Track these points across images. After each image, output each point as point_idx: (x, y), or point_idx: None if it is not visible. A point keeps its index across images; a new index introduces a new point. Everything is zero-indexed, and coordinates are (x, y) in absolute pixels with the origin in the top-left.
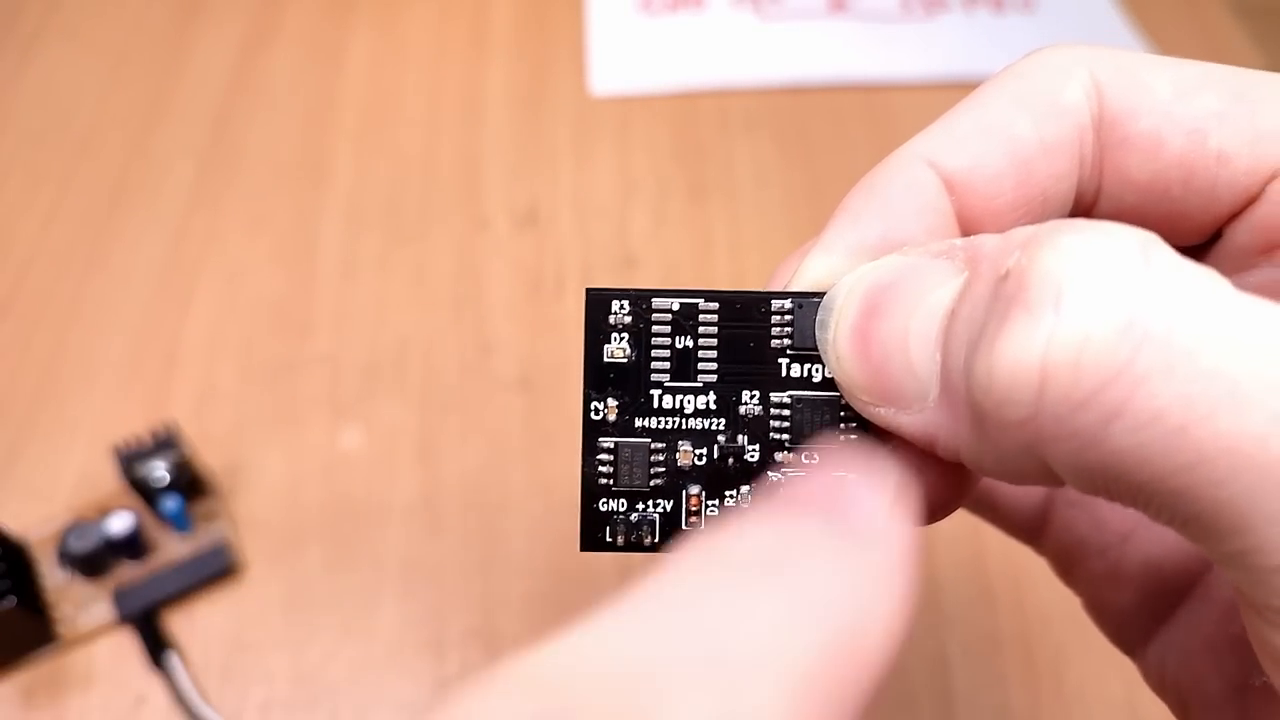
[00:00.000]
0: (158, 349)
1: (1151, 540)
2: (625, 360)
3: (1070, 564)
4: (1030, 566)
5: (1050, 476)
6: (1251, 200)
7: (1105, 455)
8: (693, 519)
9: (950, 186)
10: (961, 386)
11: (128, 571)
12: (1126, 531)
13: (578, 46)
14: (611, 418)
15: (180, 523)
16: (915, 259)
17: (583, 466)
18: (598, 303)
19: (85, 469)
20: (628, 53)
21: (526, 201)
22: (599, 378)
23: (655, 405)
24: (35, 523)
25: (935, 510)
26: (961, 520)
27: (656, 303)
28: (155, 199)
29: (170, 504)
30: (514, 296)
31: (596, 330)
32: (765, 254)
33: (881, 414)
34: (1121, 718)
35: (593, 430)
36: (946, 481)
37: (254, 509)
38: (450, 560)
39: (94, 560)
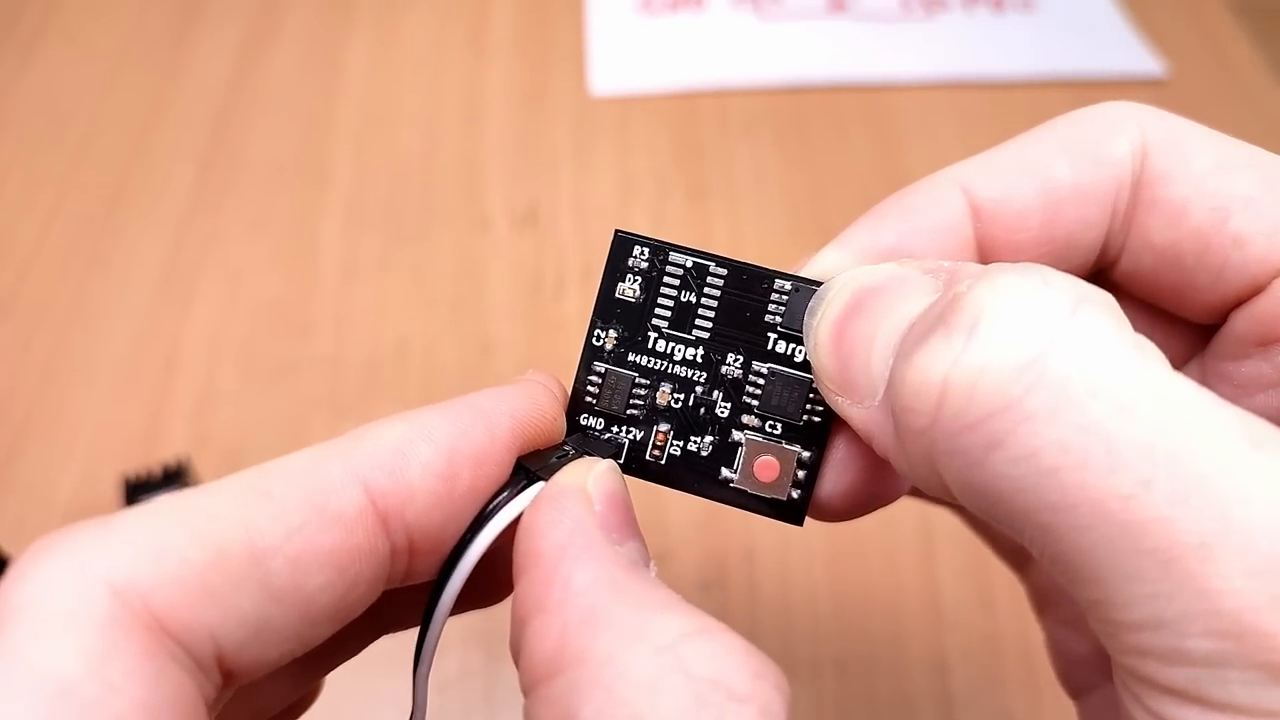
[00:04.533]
0: (158, 350)
1: None
2: (633, 300)
3: (1044, 601)
4: None
5: (947, 491)
6: (1258, 290)
7: (986, 479)
8: (655, 452)
9: (978, 214)
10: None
11: None
12: None
13: (577, 47)
14: (609, 347)
15: None
16: (907, 270)
17: (575, 382)
18: (622, 244)
19: (85, 473)
20: (627, 53)
21: (526, 202)
22: (607, 310)
23: (649, 345)
24: (34, 536)
25: (861, 504)
26: (961, 524)
27: (674, 256)
28: (155, 201)
29: None
30: (514, 297)
31: (615, 267)
32: (765, 253)
33: (839, 402)
34: None
35: (590, 354)
36: (875, 478)
37: None
38: None
39: None
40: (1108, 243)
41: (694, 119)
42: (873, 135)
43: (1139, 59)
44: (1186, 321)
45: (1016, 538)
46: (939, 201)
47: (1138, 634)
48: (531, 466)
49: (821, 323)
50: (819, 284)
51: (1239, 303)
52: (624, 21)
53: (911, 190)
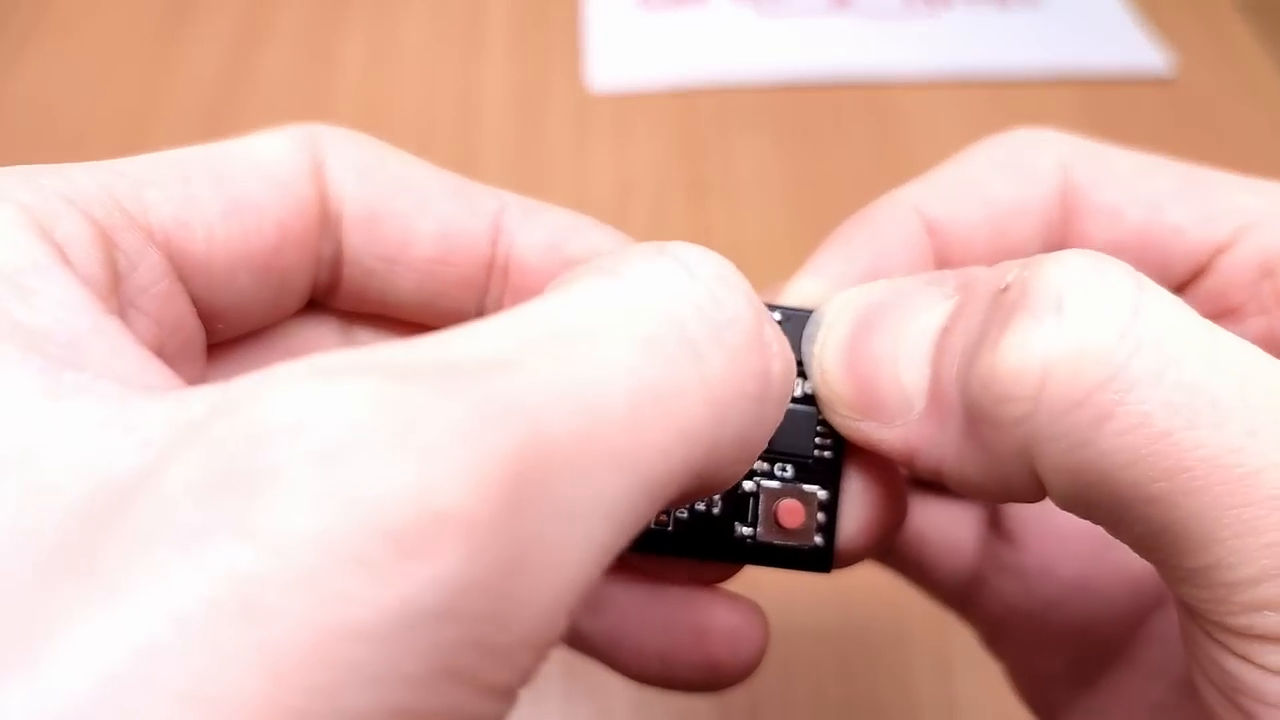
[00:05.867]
0: None
1: (1079, 609)
2: None
3: (998, 632)
4: None
5: (1032, 487)
6: (1201, 272)
7: (1094, 456)
8: (661, 519)
9: (932, 231)
10: (953, 395)
11: None
12: (1055, 599)
13: (576, 43)
14: None
15: None
16: (910, 283)
17: None
18: None
19: None
20: (627, 49)
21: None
22: None
23: None
24: None
25: (882, 541)
26: None
27: None
28: None
29: None
30: None
31: None
32: (765, 253)
33: (860, 428)
34: None
35: None
36: (892, 514)
37: None
38: None
39: None
40: (1046, 251)
41: (694, 116)
42: (875, 132)
43: (1145, 55)
44: None
45: (1112, 526)
46: (899, 221)
47: (1254, 589)
48: None
49: (827, 348)
50: (809, 310)
51: (1183, 287)
52: (623, 17)
53: (869, 214)
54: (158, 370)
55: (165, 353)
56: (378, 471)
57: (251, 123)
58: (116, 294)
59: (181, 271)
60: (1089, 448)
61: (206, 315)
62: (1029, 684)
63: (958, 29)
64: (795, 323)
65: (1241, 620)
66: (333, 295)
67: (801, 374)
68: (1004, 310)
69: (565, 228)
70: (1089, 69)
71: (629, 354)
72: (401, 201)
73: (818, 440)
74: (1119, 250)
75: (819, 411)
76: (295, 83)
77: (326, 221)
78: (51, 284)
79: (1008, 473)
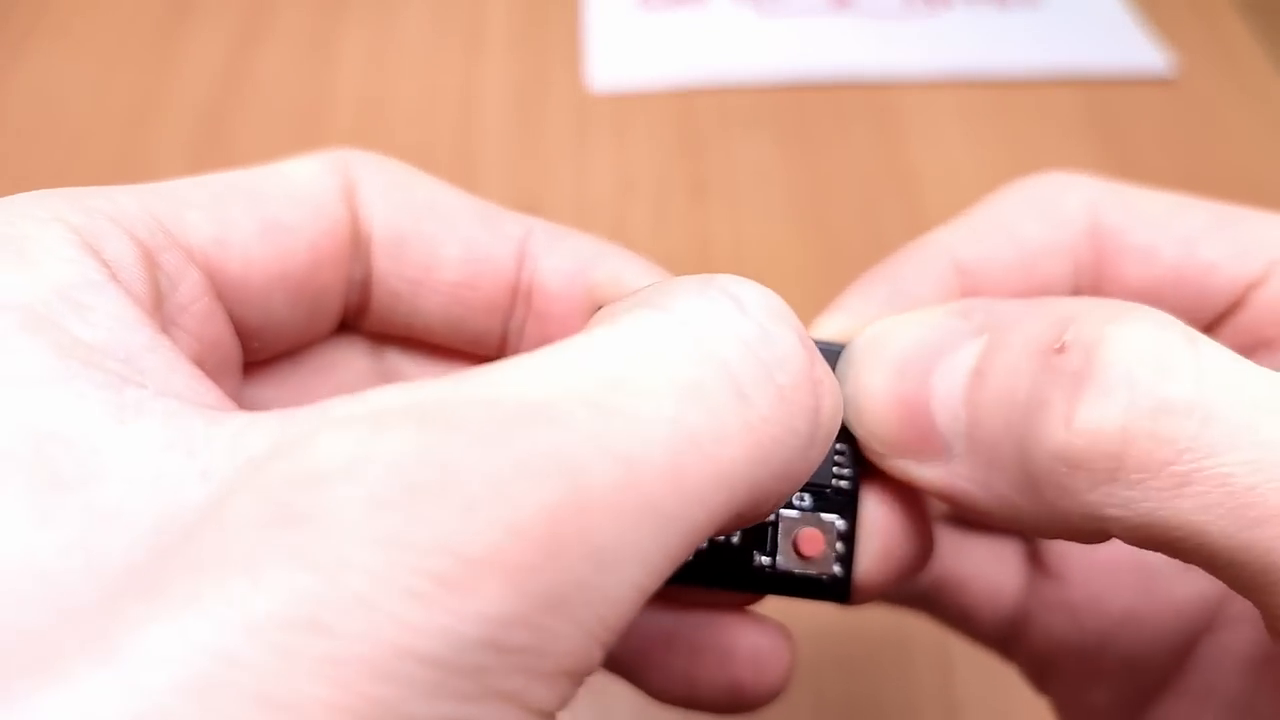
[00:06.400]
0: None
1: (1129, 640)
2: None
3: (1047, 670)
4: None
5: (1095, 533)
6: (1234, 306)
7: (1170, 514)
8: None
9: (962, 273)
10: (999, 445)
11: None
12: (1105, 632)
13: (576, 43)
14: None
15: None
16: (935, 316)
17: None
18: None
19: None
20: (627, 49)
21: (525, 200)
22: None
23: None
24: None
25: (901, 577)
26: None
27: None
28: None
29: None
30: None
31: None
32: (767, 253)
33: (899, 465)
34: None
35: None
36: (912, 546)
37: None
38: None
39: None
40: (1076, 292)
41: (694, 116)
42: (875, 132)
43: (1146, 56)
44: None
45: (1197, 564)
46: (928, 263)
47: None
48: None
49: (861, 386)
50: (841, 345)
51: (1218, 322)
52: (623, 17)
53: (900, 255)
54: (209, 388)
55: (205, 369)
56: (424, 519)
57: (252, 122)
58: (160, 312)
59: (220, 290)
60: (1168, 508)
61: (243, 334)
62: (1078, 718)
63: (958, 29)
64: (826, 358)
65: None
66: (362, 317)
67: None
68: (1067, 378)
69: (590, 254)
70: (1089, 69)
71: (672, 403)
72: (428, 225)
73: (834, 470)
74: (1155, 288)
75: (838, 443)
76: (295, 84)
77: (358, 243)
78: (106, 300)
79: (1064, 525)
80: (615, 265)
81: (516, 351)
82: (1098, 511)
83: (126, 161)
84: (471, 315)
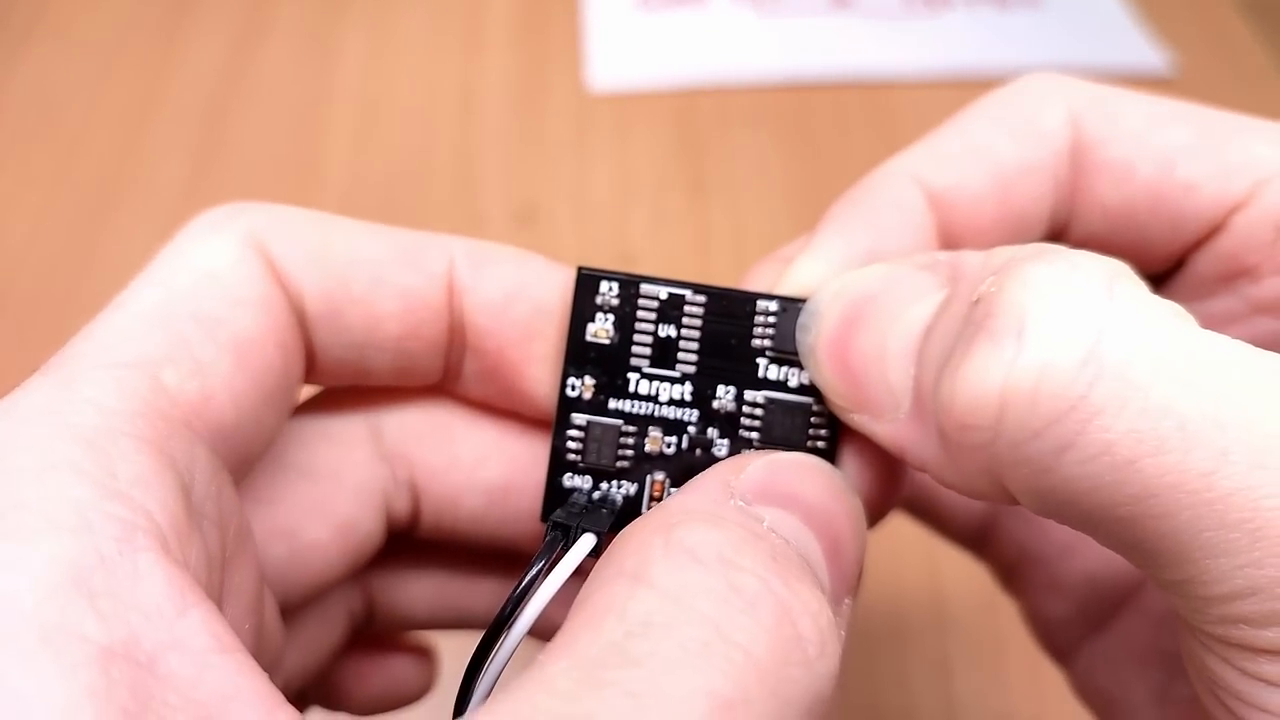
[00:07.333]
0: None
1: (1091, 554)
2: (607, 341)
3: (1012, 573)
4: None
5: (1005, 497)
6: (1215, 230)
7: (1057, 483)
8: (653, 504)
9: (934, 203)
10: (930, 407)
11: None
12: (1068, 544)
13: (576, 43)
14: (587, 396)
15: None
16: (899, 270)
17: (553, 439)
18: (587, 281)
19: None
20: (627, 49)
21: (525, 199)
22: (579, 355)
23: (631, 389)
24: None
25: (877, 518)
26: None
27: (645, 288)
28: (148, 196)
29: None
30: None
31: (582, 308)
32: (766, 252)
33: (856, 420)
34: None
35: (567, 406)
36: (887, 489)
37: None
38: None
39: None
40: (1056, 211)
41: (694, 116)
42: (875, 132)
43: (1146, 55)
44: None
45: (1089, 534)
46: (898, 197)
47: (1228, 605)
48: (567, 522)
49: (819, 341)
50: (804, 300)
51: (1196, 246)
52: (623, 17)
53: (867, 189)
54: (238, 665)
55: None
56: None
57: (252, 122)
58: (199, 529)
59: (212, 442)
60: (1052, 475)
61: (235, 469)
62: (1042, 625)
63: (958, 29)
64: (791, 313)
65: (1219, 630)
66: (310, 377)
67: (798, 364)
68: (970, 328)
69: (514, 279)
70: (1089, 69)
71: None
72: (358, 286)
73: (811, 431)
74: (1130, 211)
75: (814, 403)
76: (295, 84)
77: (296, 319)
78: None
79: (979, 485)
80: (541, 289)
81: (462, 382)
82: (990, 471)
83: (126, 161)
84: (415, 360)
